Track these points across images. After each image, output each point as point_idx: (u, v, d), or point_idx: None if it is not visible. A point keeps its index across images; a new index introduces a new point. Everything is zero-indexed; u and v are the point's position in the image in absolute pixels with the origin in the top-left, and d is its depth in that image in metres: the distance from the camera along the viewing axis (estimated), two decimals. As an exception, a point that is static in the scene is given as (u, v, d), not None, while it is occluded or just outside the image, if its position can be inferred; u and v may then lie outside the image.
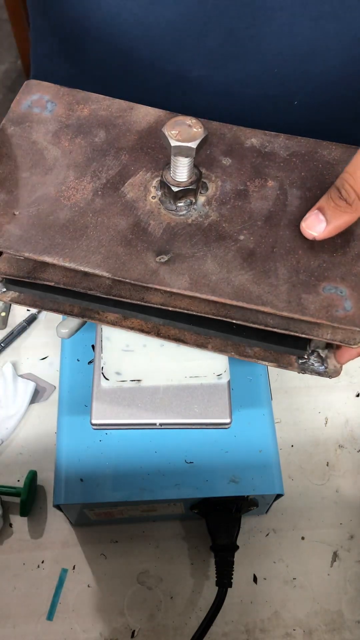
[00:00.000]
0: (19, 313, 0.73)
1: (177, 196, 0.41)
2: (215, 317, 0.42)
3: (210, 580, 0.59)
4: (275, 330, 0.42)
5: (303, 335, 0.42)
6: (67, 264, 0.40)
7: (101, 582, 0.59)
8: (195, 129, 0.38)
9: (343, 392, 0.69)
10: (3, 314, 0.73)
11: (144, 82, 0.60)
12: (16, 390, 0.67)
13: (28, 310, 0.73)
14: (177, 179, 0.41)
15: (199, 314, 0.42)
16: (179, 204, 0.42)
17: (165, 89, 0.60)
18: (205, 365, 0.49)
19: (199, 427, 0.49)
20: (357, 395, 0.69)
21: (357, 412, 0.68)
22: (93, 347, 0.57)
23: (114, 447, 0.52)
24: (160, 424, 0.49)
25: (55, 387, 0.68)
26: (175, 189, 0.41)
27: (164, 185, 0.42)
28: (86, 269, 0.40)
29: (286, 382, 0.69)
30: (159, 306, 0.43)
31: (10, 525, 0.61)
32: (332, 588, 0.59)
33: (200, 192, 0.43)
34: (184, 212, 0.42)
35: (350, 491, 0.63)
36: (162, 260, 0.40)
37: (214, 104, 0.60)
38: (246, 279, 0.40)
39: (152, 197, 0.43)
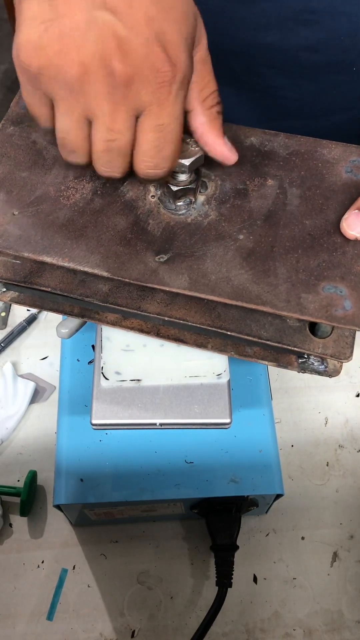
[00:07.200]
0: (19, 313, 0.73)
1: (176, 195, 0.41)
2: (210, 328, 0.43)
3: (210, 580, 0.59)
4: (268, 343, 0.42)
5: (296, 349, 0.42)
6: (66, 264, 0.40)
7: (101, 582, 0.59)
8: (192, 147, 0.39)
9: (343, 392, 0.69)
10: (3, 314, 0.73)
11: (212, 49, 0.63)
12: (16, 390, 0.67)
13: (28, 310, 0.73)
14: (176, 179, 0.41)
15: (194, 325, 0.43)
16: (179, 203, 0.42)
17: (234, 56, 0.62)
18: (205, 365, 0.49)
19: (199, 427, 0.49)
20: (357, 395, 0.69)
21: (357, 412, 0.68)
22: (93, 347, 0.57)
23: (114, 447, 0.52)
24: (160, 424, 0.49)
25: (55, 387, 0.68)
26: (174, 188, 0.41)
27: (163, 184, 0.42)
28: (85, 269, 0.40)
29: (286, 382, 0.69)
30: (156, 315, 0.43)
31: (10, 525, 0.61)
32: (332, 588, 0.59)
33: (200, 191, 0.43)
34: (184, 211, 0.42)
35: (350, 491, 0.63)
36: (162, 259, 0.40)
37: (279, 70, 0.62)
38: (246, 278, 0.40)
39: (151, 197, 0.43)
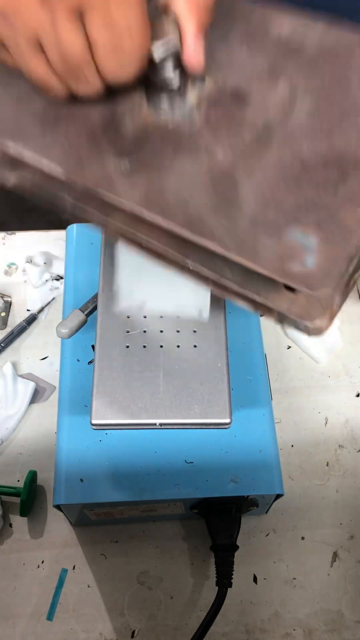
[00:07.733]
0: (19, 313, 0.73)
1: (158, 91, 0.35)
2: (172, 253, 0.36)
3: (210, 580, 0.59)
4: (227, 285, 0.35)
5: (258, 299, 0.34)
6: (24, 153, 0.35)
7: (101, 582, 0.59)
8: (170, 35, 0.33)
9: (343, 392, 0.69)
10: (3, 314, 0.73)
11: None
12: (16, 390, 0.67)
13: (28, 310, 0.73)
14: (155, 70, 0.35)
15: (156, 247, 0.36)
16: (163, 102, 0.36)
17: None
18: (189, 298, 0.51)
19: (199, 427, 0.49)
20: (357, 395, 0.69)
21: (357, 412, 0.68)
22: (93, 347, 0.57)
23: (114, 447, 0.52)
24: (160, 424, 0.49)
25: (55, 387, 0.68)
26: (154, 80, 0.35)
27: (145, 78, 0.35)
28: (40, 163, 0.35)
29: (286, 382, 0.69)
30: (120, 227, 0.36)
31: (10, 525, 0.61)
32: (332, 588, 0.59)
33: (192, 85, 0.36)
34: (167, 112, 0.36)
35: (350, 491, 0.63)
36: (122, 167, 0.34)
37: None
38: (205, 205, 0.33)
39: (138, 91, 0.37)
